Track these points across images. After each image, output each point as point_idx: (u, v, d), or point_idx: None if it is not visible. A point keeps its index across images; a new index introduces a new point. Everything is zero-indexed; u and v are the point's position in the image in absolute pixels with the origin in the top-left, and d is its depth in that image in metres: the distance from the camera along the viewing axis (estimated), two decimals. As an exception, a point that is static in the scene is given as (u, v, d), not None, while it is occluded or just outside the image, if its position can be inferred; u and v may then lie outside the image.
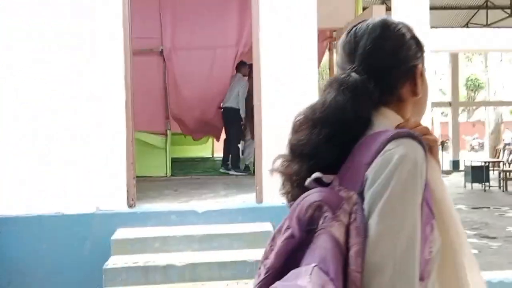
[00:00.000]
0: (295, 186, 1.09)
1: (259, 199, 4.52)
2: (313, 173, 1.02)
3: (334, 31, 7.41)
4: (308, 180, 1.02)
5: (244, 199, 4.89)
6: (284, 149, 1.08)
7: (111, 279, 3.76)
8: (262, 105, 4.52)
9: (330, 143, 1.03)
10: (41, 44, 4.32)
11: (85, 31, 4.38)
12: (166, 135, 7.34)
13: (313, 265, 0.87)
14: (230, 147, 7.63)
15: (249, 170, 7.52)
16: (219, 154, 9.99)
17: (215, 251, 4.01)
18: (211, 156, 10.53)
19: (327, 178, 0.99)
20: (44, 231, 4.37)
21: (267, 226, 4.27)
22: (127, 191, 4.47)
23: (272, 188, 4.49)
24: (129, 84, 4.47)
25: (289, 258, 0.93)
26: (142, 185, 5.37)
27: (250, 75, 7.54)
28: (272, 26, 4.52)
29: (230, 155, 7.72)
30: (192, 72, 7.13)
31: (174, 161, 7.74)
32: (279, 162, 1.12)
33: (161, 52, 7.27)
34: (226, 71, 7.19)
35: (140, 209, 4.50)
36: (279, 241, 0.98)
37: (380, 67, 1.07)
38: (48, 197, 4.39)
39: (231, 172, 7.48)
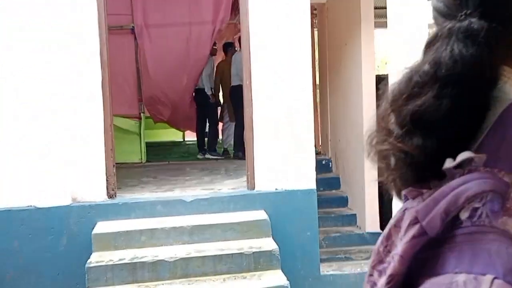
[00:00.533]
0: (412, 168, 0.81)
1: (251, 186, 4.22)
2: (440, 148, 0.76)
3: (315, 9, 7.10)
4: (450, 163, 0.74)
5: (232, 186, 4.59)
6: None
7: (95, 278, 3.41)
8: (253, 89, 4.19)
9: (467, 108, 0.76)
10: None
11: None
12: (140, 118, 6.91)
13: (491, 276, 0.62)
14: (203, 130, 7.30)
15: (228, 154, 7.22)
16: (189, 138, 9.66)
17: (208, 243, 3.71)
18: (182, 140, 10.17)
19: (479, 158, 0.73)
20: (14, 227, 3.95)
21: (261, 214, 3.99)
22: (107, 180, 4.09)
23: (264, 174, 4.20)
24: (105, 62, 4.07)
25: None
26: (117, 173, 4.98)
27: (226, 54, 7.19)
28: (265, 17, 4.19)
29: (206, 139, 7.38)
30: (166, 51, 6.67)
31: (148, 146, 7.33)
32: (380, 138, 0.84)
33: (133, 30, 6.78)
34: (203, 50, 6.78)
35: (121, 200, 4.13)
36: (404, 240, 0.73)
37: (502, 14, 0.80)
38: (17, 189, 3.96)
39: (207, 156, 7.14)
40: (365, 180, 5.37)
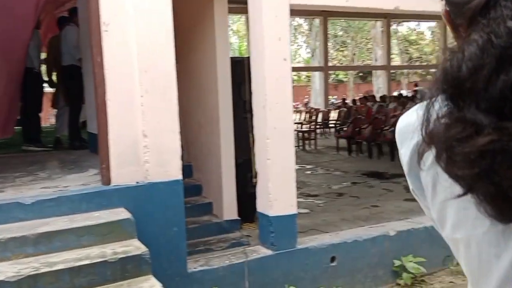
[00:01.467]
0: None
1: (106, 180, 3.65)
2: None
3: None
4: None
5: (80, 181, 3.94)
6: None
7: None
8: (105, 67, 3.60)
9: None
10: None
11: None
12: None
13: None
14: (30, 116, 6.29)
15: (62, 144, 6.34)
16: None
17: (60, 254, 3.07)
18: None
19: None
20: None
21: (121, 213, 3.48)
22: None
23: (121, 165, 3.68)
24: None
25: None
26: None
27: (60, 27, 6.28)
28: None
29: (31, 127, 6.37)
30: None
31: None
32: (461, 135, 0.61)
33: None
34: (26, 23, 5.74)
35: None
36: None
37: None
38: None
39: (31, 148, 6.14)
40: (222, 166, 5.16)
